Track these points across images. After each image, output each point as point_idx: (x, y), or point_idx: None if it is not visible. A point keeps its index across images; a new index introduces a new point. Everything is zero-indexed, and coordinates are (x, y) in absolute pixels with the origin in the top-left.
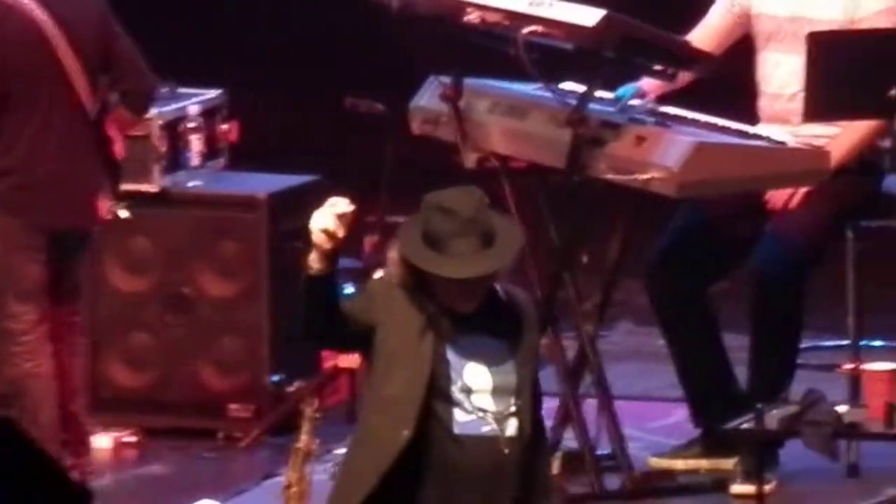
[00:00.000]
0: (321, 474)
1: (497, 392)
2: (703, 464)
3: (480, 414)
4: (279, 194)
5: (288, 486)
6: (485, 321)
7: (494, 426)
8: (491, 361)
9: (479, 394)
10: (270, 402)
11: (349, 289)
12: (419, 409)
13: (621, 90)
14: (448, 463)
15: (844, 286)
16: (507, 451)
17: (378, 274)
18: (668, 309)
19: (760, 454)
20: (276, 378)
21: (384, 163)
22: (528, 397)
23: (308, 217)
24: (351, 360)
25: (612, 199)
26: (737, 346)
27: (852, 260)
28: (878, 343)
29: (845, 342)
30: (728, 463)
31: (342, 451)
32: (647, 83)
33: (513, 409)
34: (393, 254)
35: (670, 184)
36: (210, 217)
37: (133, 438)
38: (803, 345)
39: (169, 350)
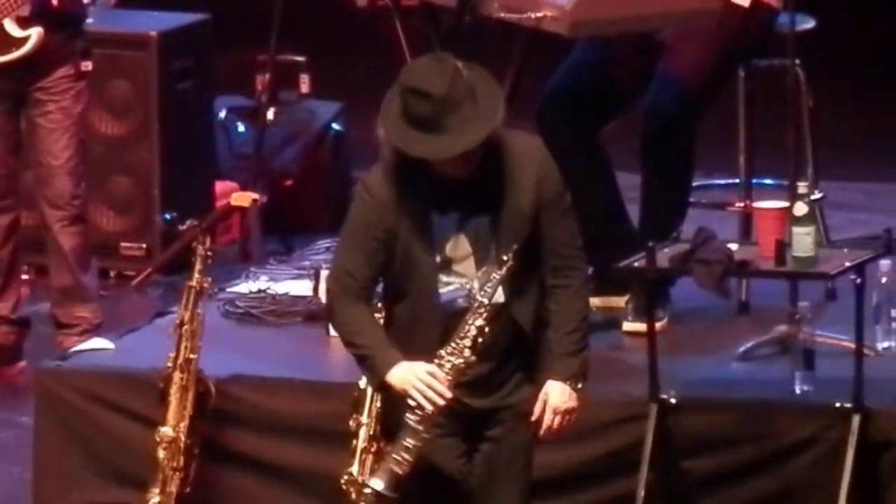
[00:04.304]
0: (213, 312)
1: (479, 261)
2: (595, 302)
3: (463, 281)
4: (170, 33)
5: (180, 324)
6: (478, 188)
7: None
8: (474, 230)
9: (460, 263)
10: (162, 241)
11: (240, 127)
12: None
13: None
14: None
15: (736, 125)
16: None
17: (359, 190)
18: (560, 148)
19: (651, 292)
20: (167, 217)
21: (274, 1)
22: (516, 262)
23: (198, 57)
24: (243, 199)
25: (503, 39)
26: (629, 185)
27: (743, 99)
28: (768, 181)
29: (736, 180)
30: (620, 301)
31: (234, 288)
32: None
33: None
34: (381, 134)
35: (563, 22)
36: (100, 56)
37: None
38: (695, 183)
39: None
